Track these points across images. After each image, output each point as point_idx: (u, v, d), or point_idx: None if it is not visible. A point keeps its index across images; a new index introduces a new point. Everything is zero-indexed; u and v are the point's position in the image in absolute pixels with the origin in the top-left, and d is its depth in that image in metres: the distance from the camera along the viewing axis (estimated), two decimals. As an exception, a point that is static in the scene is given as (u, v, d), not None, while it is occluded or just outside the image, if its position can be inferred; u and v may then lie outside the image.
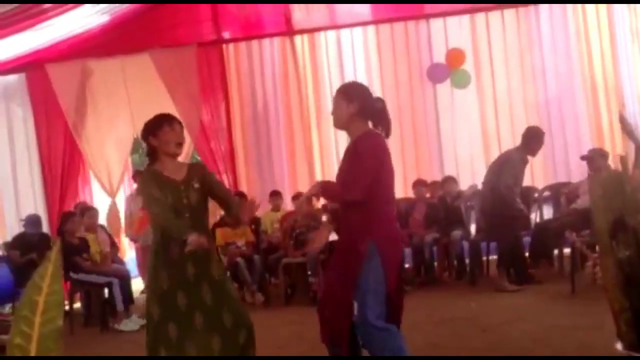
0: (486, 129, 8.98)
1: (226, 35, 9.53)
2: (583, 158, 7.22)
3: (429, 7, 8.99)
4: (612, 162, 7.70)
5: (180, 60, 9.03)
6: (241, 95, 9.42)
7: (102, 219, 8.89)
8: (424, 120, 9.10)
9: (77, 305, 7.86)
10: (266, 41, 9.37)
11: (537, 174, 8.48)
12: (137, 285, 8.22)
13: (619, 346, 2.21)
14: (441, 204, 7.96)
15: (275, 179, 9.30)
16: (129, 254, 9.40)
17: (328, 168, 9.17)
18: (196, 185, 3.76)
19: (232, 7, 9.28)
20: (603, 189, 2.00)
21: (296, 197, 7.97)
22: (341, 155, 9.00)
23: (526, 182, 7.59)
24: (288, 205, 8.65)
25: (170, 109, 9.00)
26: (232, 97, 9.41)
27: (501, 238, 6.92)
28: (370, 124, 3.64)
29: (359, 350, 3.61)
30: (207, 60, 9.26)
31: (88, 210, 7.81)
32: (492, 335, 5.01)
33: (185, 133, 9.34)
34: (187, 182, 3.78)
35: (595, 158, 6.96)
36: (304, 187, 8.84)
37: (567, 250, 7.01)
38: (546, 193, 7.89)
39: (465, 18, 8.97)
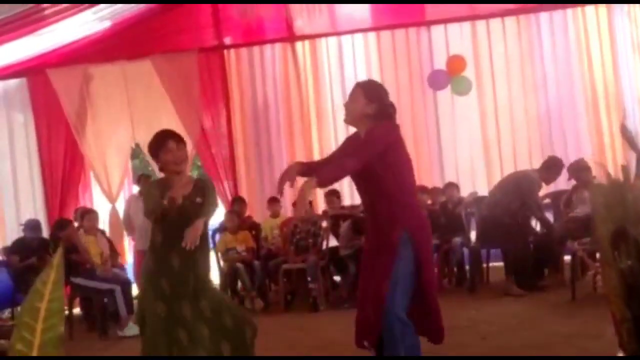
0: (487, 136, 8.98)
1: (227, 41, 9.54)
2: (568, 170, 7.28)
3: (430, 14, 8.99)
4: (613, 172, 7.74)
5: (181, 66, 9.05)
6: (242, 100, 9.43)
7: (102, 224, 8.90)
8: (425, 127, 9.10)
9: (76, 310, 7.84)
10: (267, 47, 9.38)
11: (537, 182, 8.48)
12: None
13: (620, 355, 2.21)
14: (442, 211, 7.96)
15: (276, 184, 9.28)
16: (129, 259, 9.38)
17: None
18: (198, 200, 3.88)
19: (233, 12, 9.30)
20: (605, 198, 2.00)
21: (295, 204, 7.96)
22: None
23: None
24: (288, 211, 8.63)
25: (171, 114, 9.05)
26: (233, 103, 9.42)
27: (511, 244, 6.94)
28: None
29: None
30: (208, 66, 9.27)
31: (88, 213, 7.80)
32: (492, 342, 4.99)
33: (187, 139, 9.41)
34: (190, 197, 3.91)
35: (578, 171, 7.09)
36: (305, 193, 8.83)
37: (567, 258, 7.01)
38: (546, 200, 7.88)
39: (466, 25, 8.98)
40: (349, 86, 9.24)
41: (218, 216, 8.71)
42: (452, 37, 8.99)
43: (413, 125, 9.07)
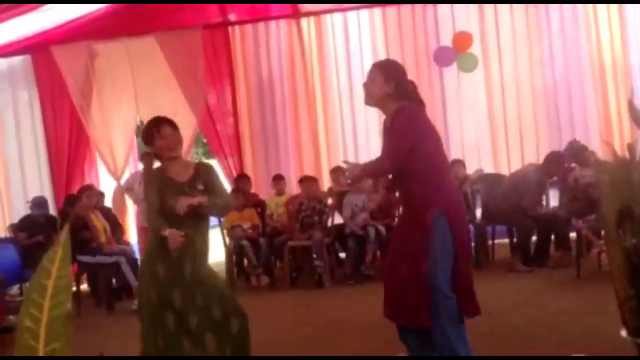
0: (493, 113, 8.93)
1: (232, 17, 9.47)
2: (565, 151, 7.42)
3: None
4: (620, 151, 7.72)
5: (186, 43, 8.99)
6: (247, 77, 9.38)
7: (108, 202, 8.94)
8: (431, 104, 8.98)
9: (84, 286, 7.91)
10: (272, 24, 9.31)
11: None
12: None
13: (623, 333, 2.22)
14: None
15: (281, 161, 9.28)
16: (133, 237, 9.42)
17: (334, 150, 9.15)
18: (200, 187, 3.83)
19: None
20: (610, 177, 1.98)
21: (303, 180, 7.97)
22: (347, 138, 9.08)
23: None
24: (294, 188, 8.64)
25: (176, 91, 9.03)
26: (238, 80, 9.37)
27: (520, 222, 7.00)
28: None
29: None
30: (212, 43, 9.21)
31: (86, 190, 7.81)
32: (498, 319, 5.01)
33: (191, 116, 9.40)
34: (192, 182, 3.85)
35: (575, 153, 7.25)
36: (310, 170, 8.84)
37: (572, 235, 7.02)
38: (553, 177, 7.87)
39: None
40: (355, 62, 9.30)
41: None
42: (458, 13, 8.89)
43: (419, 102, 9.02)
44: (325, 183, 8.66)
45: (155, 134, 3.84)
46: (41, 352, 1.03)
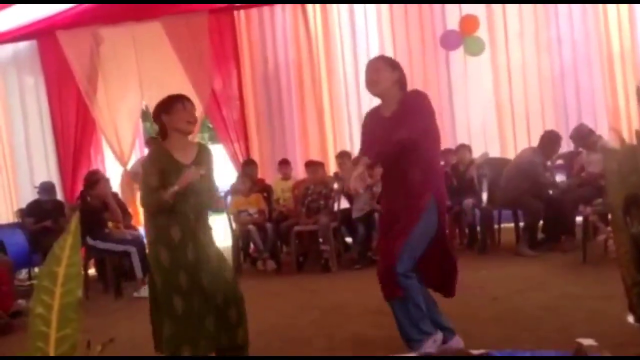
0: (499, 97, 8.90)
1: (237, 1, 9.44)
2: (572, 136, 7.41)
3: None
4: (628, 135, 7.72)
5: (191, 27, 8.98)
6: (253, 62, 9.37)
7: (114, 187, 8.97)
8: (437, 88, 9.01)
9: (92, 271, 7.96)
10: (278, 8, 9.27)
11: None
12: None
13: (630, 319, 2.22)
14: (453, 172, 7.96)
15: (287, 146, 9.29)
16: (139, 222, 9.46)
17: (340, 135, 9.15)
18: (202, 171, 3.75)
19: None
20: (618, 164, 1.98)
21: (309, 164, 7.98)
22: (353, 123, 9.06)
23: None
24: (300, 172, 8.66)
25: (181, 76, 9.02)
26: (243, 65, 9.36)
27: (529, 205, 7.00)
28: None
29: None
30: (218, 27, 9.19)
31: (95, 175, 7.82)
32: (503, 303, 5.03)
33: (197, 100, 9.40)
34: (196, 164, 3.78)
35: (582, 138, 7.23)
36: (316, 155, 8.84)
37: (578, 219, 7.01)
38: (559, 162, 7.86)
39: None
40: (360, 45, 9.27)
41: (230, 178, 8.77)
42: (465, -4, 8.84)
43: (425, 86, 8.95)
44: (331, 168, 8.67)
45: (179, 104, 3.80)
46: (53, 338, 1.05)
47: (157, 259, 3.73)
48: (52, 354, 1.05)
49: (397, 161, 3.68)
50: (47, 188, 8.38)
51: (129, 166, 9.39)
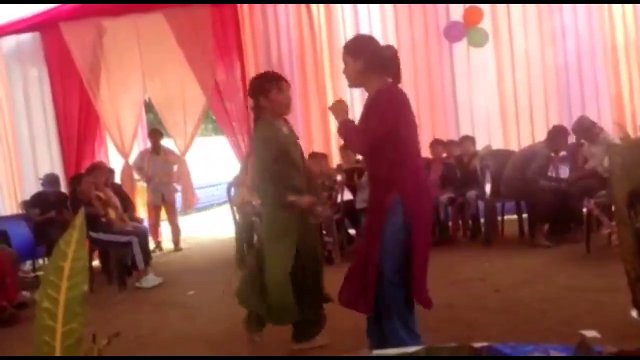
0: (503, 89, 8.88)
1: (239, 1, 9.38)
2: (574, 128, 7.38)
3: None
4: (631, 128, 7.73)
5: (195, 19, 8.95)
6: (256, 55, 9.34)
7: (118, 179, 9.01)
8: (440, 80, 9.00)
9: (95, 262, 7.99)
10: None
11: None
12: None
13: (634, 313, 2.22)
14: (457, 164, 7.96)
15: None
16: (142, 214, 9.49)
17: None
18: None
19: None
20: (622, 158, 1.97)
21: (312, 156, 7.97)
22: (356, 115, 9.03)
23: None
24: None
25: (184, 68, 9.01)
26: (247, 57, 9.33)
27: (540, 196, 6.98)
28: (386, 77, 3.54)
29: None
30: (221, 20, 9.15)
31: (93, 170, 7.85)
32: (506, 295, 5.04)
33: (200, 93, 9.38)
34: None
35: (584, 131, 7.21)
36: (319, 148, 8.83)
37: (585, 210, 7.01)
38: (563, 153, 7.85)
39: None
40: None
41: (234, 170, 8.77)
42: (469, -13, 8.81)
43: (428, 78, 8.99)
44: (335, 160, 8.66)
45: (275, 87, 3.79)
46: (59, 332, 1.06)
47: (275, 231, 3.99)
48: (58, 347, 1.06)
49: (366, 160, 3.67)
50: (51, 180, 8.40)
51: (131, 159, 9.40)
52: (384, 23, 9.04)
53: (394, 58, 3.53)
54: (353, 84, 3.67)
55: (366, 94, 3.66)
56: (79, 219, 1.05)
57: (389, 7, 9.00)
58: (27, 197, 8.72)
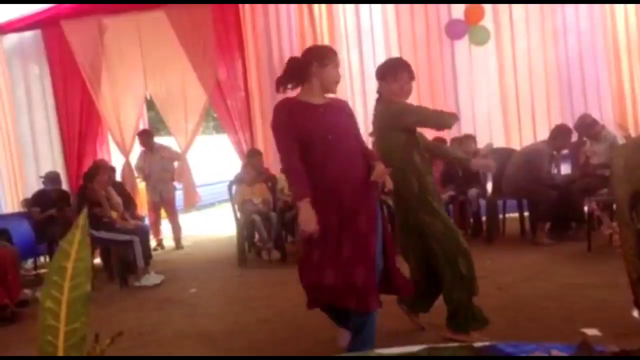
0: (504, 88, 8.88)
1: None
2: (576, 126, 7.39)
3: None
4: (634, 130, 7.73)
5: (196, 17, 8.96)
6: (258, 52, 9.34)
7: (119, 177, 9.02)
8: (442, 78, 9.00)
9: (96, 260, 7.99)
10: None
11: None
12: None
13: (635, 314, 2.22)
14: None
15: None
16: (144, 212, 9.50)
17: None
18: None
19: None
20: (624, 159, 1.96)
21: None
22: (358, 112, 9.06)
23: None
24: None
25: (185, 66, 9.02)
26: (248, 55, 9.33)
27: (544, 194, 6.99)
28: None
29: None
30: (223, 18, 9.16)
31: (100, 166, 7.84)
32: (507, 293, 5.05)
33: (201, 91, 9.38)
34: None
35: (586, 128, 7.23)
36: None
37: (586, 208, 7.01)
38: (565, 151, 7.85)
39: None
40: (365, 35, 9.20)
41: (234, 168, 8.78)
42: (470, -15, 8.80)
43: (430, 76, 8.99)
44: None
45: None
46: (62, 332, 1.06)
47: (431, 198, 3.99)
48: (61, 347, 1.06)
49: None
50: (52, 178, 8.41)
51: (131, 157, 9.41)
52: (385, 20, 9.04)
53: (310, 61, 3.58)
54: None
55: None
56: (82, 219, 1.05)
57: (390, 5, 8.99)
58: (29, 195, 8.74)
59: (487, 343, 1.46)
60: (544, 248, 6.69)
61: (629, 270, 2.12)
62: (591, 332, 3.77)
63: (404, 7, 8.93)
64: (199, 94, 9.12)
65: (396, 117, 3.96)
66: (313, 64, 3.54)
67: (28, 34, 9.61)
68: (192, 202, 9.95)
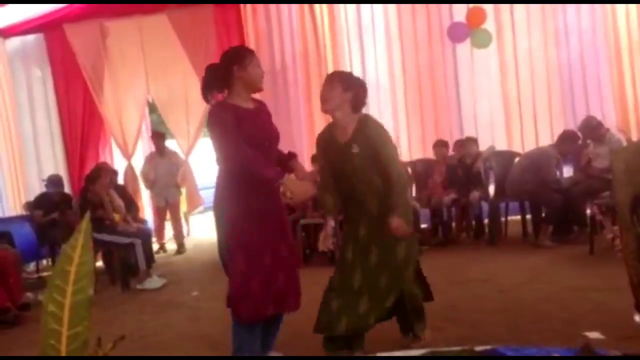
0: (506, 90, 8.87)
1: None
2: (581, 127, 7.36)
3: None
4: (636, 133, 7.72)
5: (198, 20, 8.97)
6: (259, 55, 9.28)
7: (121, 180, 9.02)
8: (443, 81, 8.99)
9: (98, 263, 7.99)
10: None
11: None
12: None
13: (637, 318, 2.22)
14: (460, 165, 7.95)
15: (294, 140, 9.27)
16: (146, 215, 9.49)
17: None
18: (355, 150, 3.76)
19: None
20: (626, 163, 1.96)
21: (315, 158, 7.97)
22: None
23: (547, 143, 7.66)
24: (306, 166, 8.63)
25: (187, 69, 9.02)
26: (250, 57, 9.30)
27: (549, 196, 6.99)
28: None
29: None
30: (224, 20, 9.17)
31: (102, 169, 7.85)
32: (509, 296, 5.04)
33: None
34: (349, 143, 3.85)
35: (590, 130, 7.18)
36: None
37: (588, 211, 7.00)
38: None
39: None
40: (367, 37, 9.21)
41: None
42: (472, -12, 8.80)
43: (432, 79, 8.98)
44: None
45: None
46: (64, 336, 1.07)
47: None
48: (63, 351, 1.06)
49: None
50: (54, 181, 8.41)
51: (133, 160, 9.41)
52: (387, 23, 9.04)
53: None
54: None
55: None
56: (85, 224, 1.05)
57: (392, 7, 9.00)
58: (31, 198, 8.74)
59: (487, 347, 1.46)
60: (546, 251, 6.68)
61: (630, 274, 2.12)
62: (593, 335, 3.76)
63: (406, 10, 8.93)
64: (200, 97, 9.11)
65: None
66: (234, 67, 3.58)
67: (31, 37, 9.63)
68: (194, 206, 9.95)
